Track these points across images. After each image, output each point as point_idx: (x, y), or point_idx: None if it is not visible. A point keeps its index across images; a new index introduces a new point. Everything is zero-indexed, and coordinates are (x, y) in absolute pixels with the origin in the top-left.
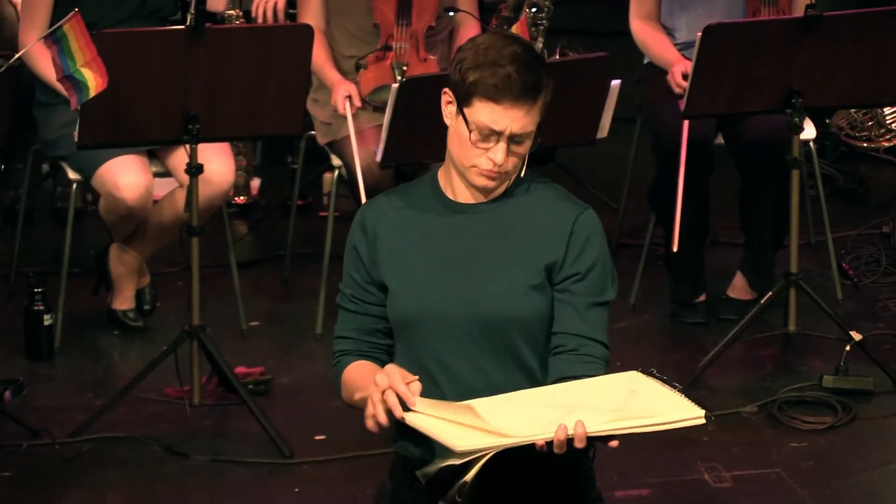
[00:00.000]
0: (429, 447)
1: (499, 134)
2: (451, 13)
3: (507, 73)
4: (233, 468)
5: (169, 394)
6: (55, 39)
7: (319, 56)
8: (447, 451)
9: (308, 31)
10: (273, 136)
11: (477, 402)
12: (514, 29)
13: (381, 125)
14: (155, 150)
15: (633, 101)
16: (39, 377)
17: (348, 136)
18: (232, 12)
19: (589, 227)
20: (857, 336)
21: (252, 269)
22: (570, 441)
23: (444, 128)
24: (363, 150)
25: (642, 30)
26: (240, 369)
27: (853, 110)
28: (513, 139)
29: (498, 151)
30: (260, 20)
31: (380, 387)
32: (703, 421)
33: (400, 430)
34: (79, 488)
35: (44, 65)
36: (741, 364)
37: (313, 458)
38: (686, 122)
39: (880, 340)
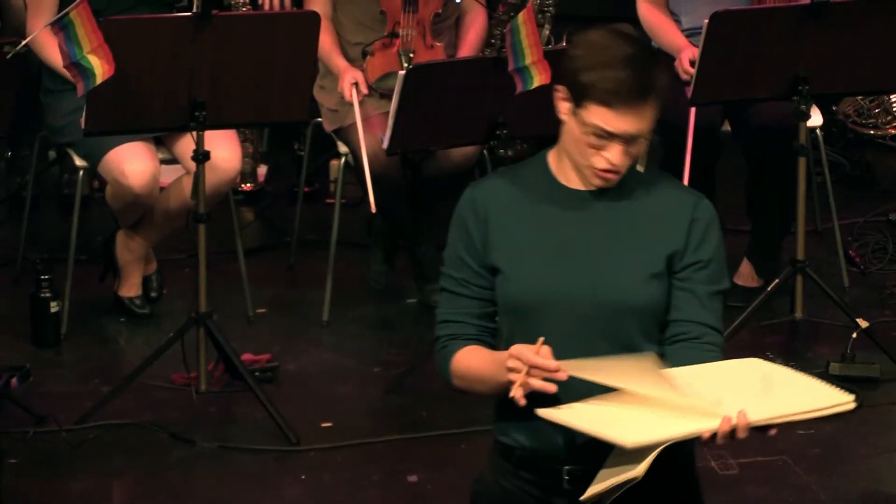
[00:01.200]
0: (532, 433)
1: (613, 135)
2: (458, 0)
3: (620, 77)
4: (239, 455)
5: (175, 380)
6: (62, 26)
7: (326, 43)
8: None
9: (315, 17)
10: (279, 122)
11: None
12: (521, 15)
13: (387, 112)
14: (161, 137)
15: None
16: (46, 364)
17: (355, 123)
18: None
19: (709, 215)
20: (863, 323)
21: (259, 256)
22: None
23: (450, 114)
24: (370, 137)
25: (650, 14)
26: (246, 356)
27: (860, 97)
28: (627, 140)
29: (614, 153)
30: (266, 6)
31: (518, 371)
32: (853, 406)
33: (500, 414)
34: (85, 475)
35: (51, 51)
36: (747, 351)
37: (320, 445)
38: (693, 109)
39: (887, 327)
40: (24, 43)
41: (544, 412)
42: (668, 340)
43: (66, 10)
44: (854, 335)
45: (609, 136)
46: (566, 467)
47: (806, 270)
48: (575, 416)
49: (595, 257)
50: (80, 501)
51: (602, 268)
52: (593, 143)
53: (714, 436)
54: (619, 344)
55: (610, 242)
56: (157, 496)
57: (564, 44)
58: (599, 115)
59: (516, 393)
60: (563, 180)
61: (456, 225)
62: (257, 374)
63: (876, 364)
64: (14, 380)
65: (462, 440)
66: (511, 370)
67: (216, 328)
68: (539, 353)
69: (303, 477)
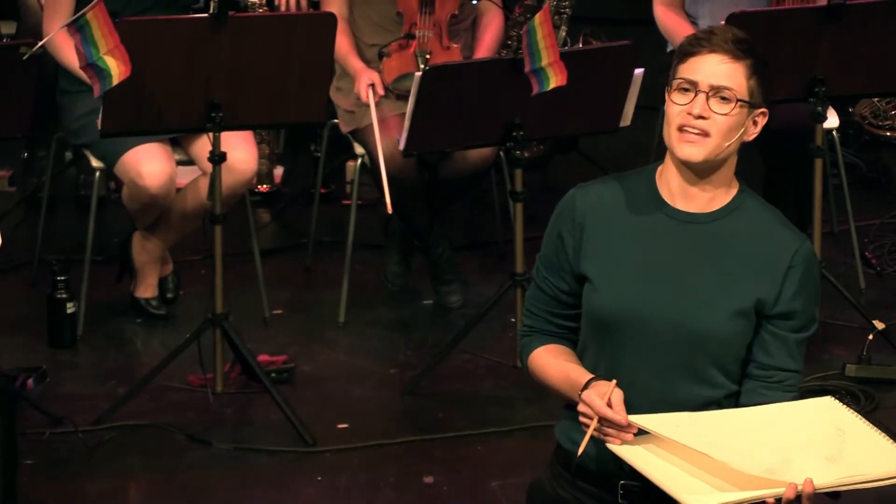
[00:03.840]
0: (593, 441)
1: (695, 84)
2: (475, 1)
3: (708, 30)
4: (256, 456)
5: (192, 382)
6: (78, 27)
7: (343, 44)
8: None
9: (331, 18)
10: (296, 124)
11: (695, 440)
12: (538, 17)
13: (403, 113)
14: (178, 138)
15: (655, 90)
16: (62, 365)
17: (371, 125)
18: (255, 0)
19: (807, 263)
20: (879, 325)
21: (275, 257)
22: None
23: (466, 115)
24: (386, 139)
25: (666, 17)
26: (262, 357)
27: (876, 99)
28: (714, 93)
29: (696, 104)
30: (283, 8)
31: (588, 418)
32: None
33: (566, 417)
34: (101, 476)
35: (67, 53)
36: None
37: (336, 447)
38: None
39: None
40: (40, 44)
41: (615, 448)
42: (751, 378)
43: (83, 11)
44: (870, 337)
45: (691, 85)
46: (621, 482)
47: (822, 272)
48: (640, 458)
49: (684, 283)
50: (97, 503)
51: (690, 297)
52: (677, 98)
53: (779, 500)
54: (692, 374)
55: (702, 271)
56: (173, 497)
57: (581, 45)
58: (683, 69)
59: (582, 451)
60: (665, 196)
61: (553, 224)
62: (273, 375)
63: (893, 366)
64: (30, 381)
65: (478, 441)
66: (582, 414)
67: (232, 329)
68: (611, 399)
69: (319, 478)
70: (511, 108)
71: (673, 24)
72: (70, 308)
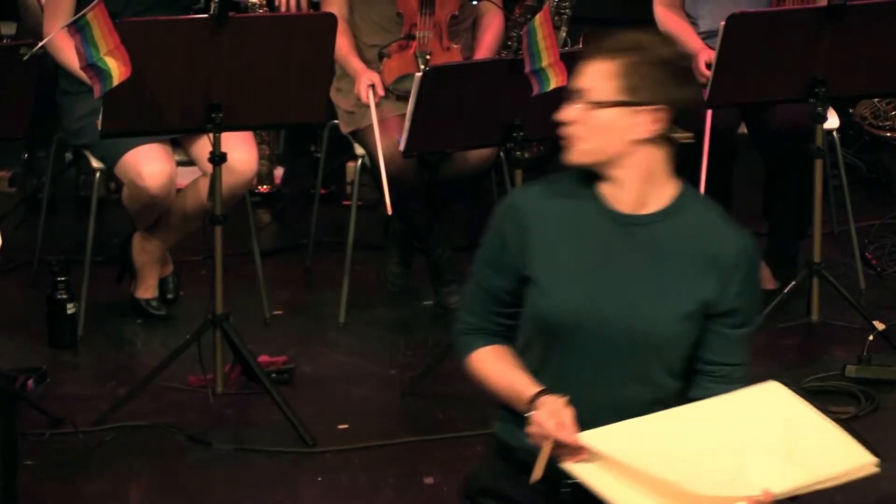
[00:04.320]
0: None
1: (571, 92)
2: (475, 2)
3: (602, 35)
4: (256, 457)
5: (192, 382)
6: (78, 28)
7: (343, 45)
8: None
9: (332, 19)
10: (296, 124)
11: (644, 455)
12: (538, 18)
13: (404, 114)
14: (178, 139)
15: None
16: (62, 366)
17: (371, 126)
18: (255, 1)
19: (750, 260)
20: (880, 325)
21: (275, 258)
22: None
23: (467, 116)
24: (386, 140)
25: (666, 17)
26: (263, 358)
27: (877, 99)
28: (578, 97)
29: (566, 110)
30: (283, 8)
31: (539, 438)
32: (876, 470)
33: (507, 416)
34: (101, 477)
35: (67, 53)
36: (764, 353)
37: (336, 447)
38: (709, 112)
39: None
40: (40, 45)
41: (569, 467)
42: (696, 374)
43: (83, 11)
44: (870, 337)
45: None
46: (565, 480)
47: (822, 273)
48: (595, 478)
49: (630, 286)
50: (97, 503)
51: (636, 298)
52: None
53: None
54: (639, 377)
55: (647, 273)
56: (173, 498)
57: (581, 46)
58: None
59: (538, 475)
60: (608, 196)
61: (495, 225)
62: (274, 375)
63: (893, 367)
64: (30, 382)
65: (478, 442)
66: (533, 435)
67: (233, 330)
68: (562, 419)
69: (319, 479)
70: (511, 108)
71: (673, 26)
72: (70, 308)
